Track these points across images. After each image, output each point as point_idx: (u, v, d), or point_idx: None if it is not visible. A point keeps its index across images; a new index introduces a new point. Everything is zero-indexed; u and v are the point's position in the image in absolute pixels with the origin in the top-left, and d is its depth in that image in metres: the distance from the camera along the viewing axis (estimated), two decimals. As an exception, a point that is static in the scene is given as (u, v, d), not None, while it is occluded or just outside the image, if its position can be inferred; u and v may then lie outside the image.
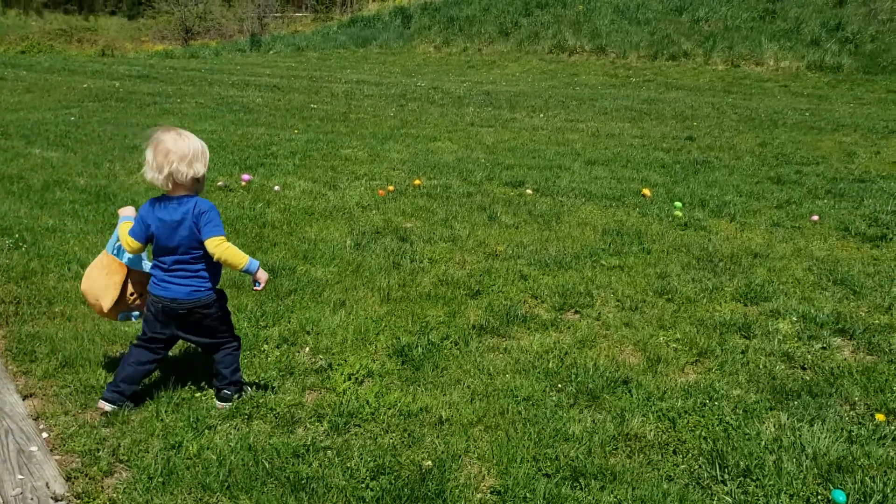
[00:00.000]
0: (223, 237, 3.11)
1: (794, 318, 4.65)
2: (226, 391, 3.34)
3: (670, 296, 4.96)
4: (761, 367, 4.02)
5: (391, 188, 7.57)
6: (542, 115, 13.68)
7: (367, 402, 3.44)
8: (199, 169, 3.08)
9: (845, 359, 4.17)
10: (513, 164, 9.11)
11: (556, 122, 12.86)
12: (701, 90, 18.27)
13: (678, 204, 7.21)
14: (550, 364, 3.92)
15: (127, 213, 3.41)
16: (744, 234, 6.38)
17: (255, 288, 3.27)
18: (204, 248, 3.12)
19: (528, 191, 7.71)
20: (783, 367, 4.07)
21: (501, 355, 4.05)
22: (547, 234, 6.24)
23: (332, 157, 9.33)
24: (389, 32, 28.55)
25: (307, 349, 4.00)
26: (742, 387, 3.81)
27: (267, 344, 4.01)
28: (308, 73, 21.67)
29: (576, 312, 4.71)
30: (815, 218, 6.80)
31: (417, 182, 7.87)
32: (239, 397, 3.36)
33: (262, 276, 3.23)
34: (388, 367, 3.82)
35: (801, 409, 3.56)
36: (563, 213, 6.92)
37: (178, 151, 3.02)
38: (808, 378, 3.93)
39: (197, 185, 3.16)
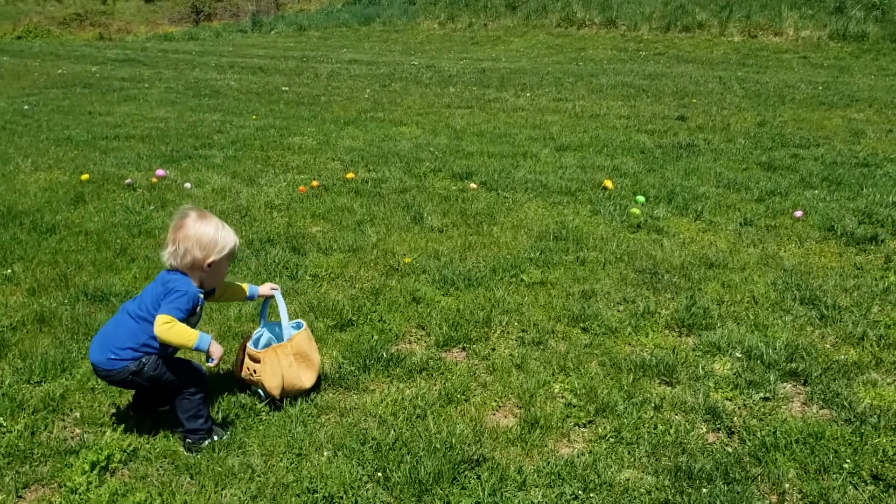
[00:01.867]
0: (172, 318, 2.78)
1: (738, 355, 3.68)
2: (188, 439, 2.94)
3: (588, 324, 4.00)
4: (672, 432, 3.07)
5: (315, 183, 6.66)
6: (528, 95, 12.64)
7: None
8: (200, 256, 2.90)
9: (790, 416, 3.20)
10: (472, 152, 8.14)
11: (542, 102, 11.82)
12: (713, 63, 17.01)
13: (640, 199, 6.21)
14: (389, 435, 3.00)
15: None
16: (705, 237, 5.37)
17: (208, 364, 2.93)
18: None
19: (473, 185, 6.75)
20: (703, 430, 3.12)
21: (334, 421, 3.15)
22: (472, 240, 5.29)
23: (274, 147, 8.45)
24: (394, 9, 27.47)
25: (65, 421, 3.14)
26: (636, 466, 2.87)
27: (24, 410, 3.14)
28: (302, 53, 20.75)
29: (462, 349, 3.79)
30: (799, 214, 5.76)
31: (350, 175, 6.95)
32: (209, 442, 2.92)
33: (216, 350, 2.87)
34: (158, 448, 2.92)
35: (705, 505, 2.61)
36: (502, 211, 5.96)
37: (198, 235, 2.89)
38: (730, 450, 2.98)
39: (202, 272, 2.93)
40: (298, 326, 3.33)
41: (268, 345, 3.32)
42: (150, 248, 5.10)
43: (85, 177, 6.95)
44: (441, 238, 5.36)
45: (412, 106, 11.53)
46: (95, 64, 18.14)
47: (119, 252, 5.01)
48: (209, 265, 2.91)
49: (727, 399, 3.35)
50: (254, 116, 10.60)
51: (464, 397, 3.31)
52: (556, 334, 3.92)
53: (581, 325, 4.01)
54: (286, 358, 3.18)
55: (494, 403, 3.29)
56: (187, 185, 6.66)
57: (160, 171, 7.03)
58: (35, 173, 7.21)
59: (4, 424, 2.98)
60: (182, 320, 2.82)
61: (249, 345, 3.29)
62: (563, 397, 3.35)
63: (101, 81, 14.84)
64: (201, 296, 2.95)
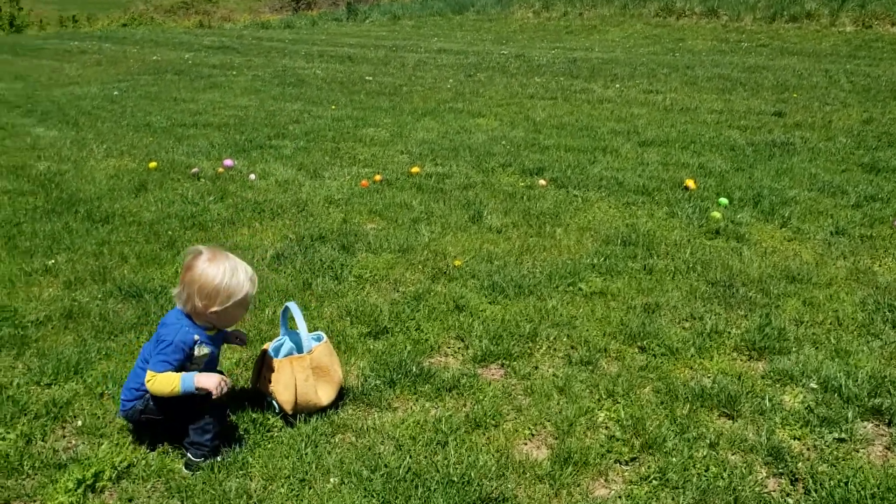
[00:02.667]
0: (154, 373, 2.64)
1: (812, 385, 3.24)
2: (189, 453, 2.74)
3: (646, 342, 3.62)
4: (726, 475, 2.68)
5: (378, 178, 6.43)
6: (618, 86, 12.10)
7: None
8: (202, 305, 2.70)
9: (868, 463, 2.76)
10: (548, 146, 7.76)
11: (631, 94, 11.28)
12: (820, 55, 15.97)
13: (723, 201, 5.72)
14: (404, 463, 2.72)
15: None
16: (790, 247, 4.86)
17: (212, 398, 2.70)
18: None
19: (542, 181, 6.39)
20: (762, 474, 2.71)
21: (348, 442, 2.88)
22: (531, 243, 4.95)
23: (346, 138, 8.27)
24: (488, -3, 27.09)
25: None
26: (678, 517, 2.49)
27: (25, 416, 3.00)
28: (393, 42, 20.64)
29: (501, 366, 3.47)
30: (902, 223, 5.18)
31: (415, 170, 6.70)
32: (209, 462, 2.72)
33: (207, 382, 2.66)
34: (154, 465, 2.72)
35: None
36: (568, 211, 5.58)
37: (201, 282, 2.69)
38: (792, 502, 2.56)
39: (206, 318, 2.74)
40: (319, 339, 3.09)
41: (288, 355, 3.09)
42: (200, 241, 4.96)
43: (153, 165, 6.93)
44: (498, 239, 5.04)
45: (493, 96, 11.19)
46: (190, 51, 18.50)
47: (166, 245, 4.89)
48: (213, 314, 2.71)
49: (795, 438, 2.92)
50: (333, 106, 10.48)
51: (493, 422, 3.00)
52: (609, 353, 3.55)
53: (638, 343, 3.63)
54: (302, 372, 2.93)
55: (527, 431, 2.97)
56: (252, 176, 6.54)
57: (228, 162, 6.94)
58: (106, 160, 7.25)
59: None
60: (179, 367, 2.67)
61: (268, 352, 3.06)
62: (606, 428, 2.99)
63: (192, 68, 15.07)
64: (196, 337, 2.73)
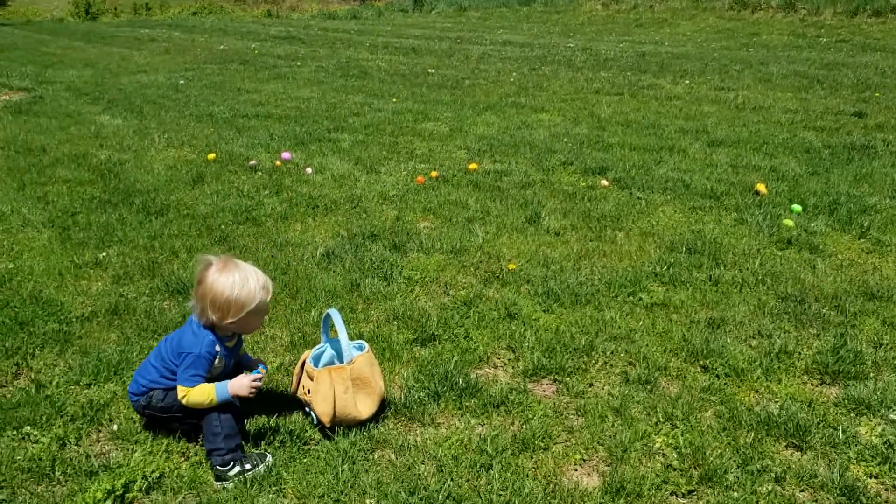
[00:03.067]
0: (187, 389, 2.63)
1: (892, 417, 2.98)
2: (213, 462, 2.63)
3: (710, 361, 3.39)
4: (794, 518, 2.45)
5: (434, 174, 6.28)
6: (687, 82, 11.72)
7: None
8: (216, 318, 2.66)
9: (955, 511, 2.50)
10: (612, 144, 7.51)
11: (701, 91, 10.90)
12: (905, 52, 15.25)
13: (797, 207, 5.41)
14: (444, 486, 2.56)
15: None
16: (869, 260, 4.55)
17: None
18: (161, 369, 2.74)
19: (605, 181, 6.15)
20: (835, 519, 2.48)
21: (387, 460, 2.74)
22: (591, 247, 4.75)
23: (405, 132, 8.15)
24: (557, -11, 26.69)
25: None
26: (739, 562, 2.28)
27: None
28: (458, 34, 20.49)
29: (553, 381, 3.28)
30: None
31: (473, 166, 6.53)
32: (239, 471, 2.61)
33: (238, 388, 2.66)
34: (186, 476, 2.61)
35: None
36: (631, 215, 5.34)
37: (213, 295, 2.64)
38: (868, 552, 2.33)
39: (226, 328, 2.72)
40: (361, 348, 2.95)
41: (328, 364, 2.97)
42: (251, 237, 4.89)
43: (211, 156, 6.91)
44: (555, 242, 4.84)
45: (558, 91, 10.94)
46: (257, 40, 18.65)
47: (218, 240, 4.83)
48: (230, 325, 2.68)
49: (871, 476, 2.68)
50: (394, 99, 10.38)
51: (542, 445, 2.82)
52: (669, 372, 3.34)
53: (701, 362, 3.41)
54: (342, 383, 2.80)
55: (578, 456, 2.78)
56: (308, 170, 6.46)
57: (285, 154, 6.88)
58: (166, 150, 7.26)
59: (34, 434, 2.78)
60: (205, 374, 2.67)
61: (308, 361, 2.94)
62: (662, 455, 2.78)
63: (258, 58, 15.16)
64: (218, 348, 2.71)
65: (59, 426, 2.84)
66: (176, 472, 2.63)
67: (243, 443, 2.70)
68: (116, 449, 2.74)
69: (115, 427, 2.86)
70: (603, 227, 5.12)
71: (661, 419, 2.99)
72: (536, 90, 11.08)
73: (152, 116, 9.01)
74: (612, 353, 3.48)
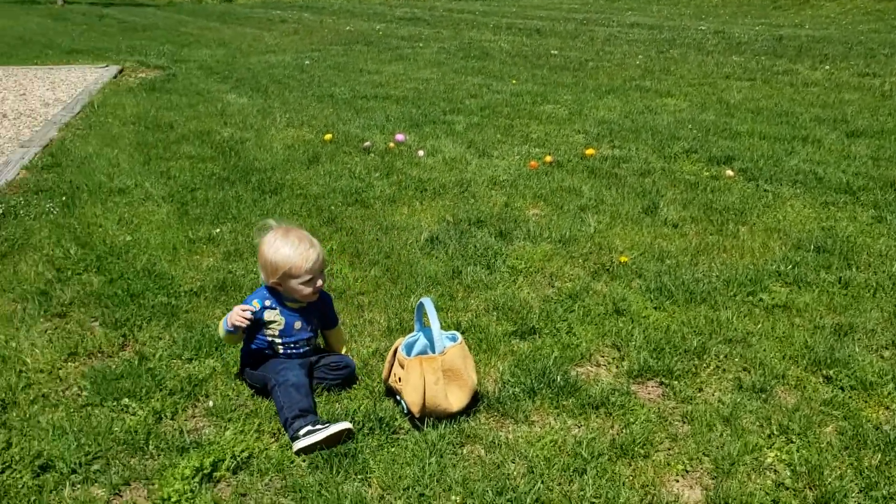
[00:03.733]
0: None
1: None
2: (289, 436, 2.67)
3: (834, 371, 3.11)
4: (923, 556, 2.20)
5: (549, 159, 6.11)
6: (827, 67, 11.00)
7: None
8: (263, 277, 2.90)
9: None
10: (741, 132, 7.12)
11: (842, 77, 10.21)
12: None
13: (945, 206, 4.94)
14: (535, 487, 2.44)
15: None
16: None
17: (239, 323, 2.84)
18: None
19: (730, 171, 5.82)
20: (973, 562, 2.20)
21: (476, 456, 2.64)
22: (710, 242, 4.48)
23: (521, 115, 7.99)
24: (691, -31, 25.65)
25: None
26: None
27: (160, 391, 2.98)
28: (584, 15, 20.05)
29: (660, 384, 3.09)
30: None
31: (590, 152, 6.31)
32: (306, 431, 2.60)
33: (230, 316, 2.83)
34: (274, 458, 2.59)
35: None
36: (756, 208, 5.02)
37: (259, 255, 2.90)
38: None
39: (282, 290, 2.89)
40: (454, 339, 2.86)
41: (421, 353, 2.89)
42: (358, 219, 4.88)
43: (328, 137, 6.98)
44: (673, 235, 4.60)
45: (685, 75, 10.50)
46: (382, 22, 18.83)
47: (326, 220, 4.84)
48: (276, 285, 2.86)
49: None
50: (513, 81, 10.22)
51: (642, 451, 2.65)
52: (788, 381, 3.08)
53: (824, 371, 3.13)
54: (433, 374, 2.72)
55: (681, 466, 2.59)
56: (420, 152, 6.41)
57: (399, 136, 6.86)
58: (286, 129, 7.38)
59: (132, 406, 2.83)
60: (250, 329, 2.88)
61: (400, 349, 2.88)
62: (774, 472, 2.56)
63: (382, 39, 15.30)
64: (268, 303, 2.89)
65: (157, 400, 2.88)
66: (265, 452, 2.61)
67: (311, 412, 2.69)
68: (210, 426, 2.76)
69: (210, 403, 2.88)
70: (725, 220, 4.83)
71: (776, 432, 2.76)
72: (663, 74, 10.67)
73: (276, 96, 9.20)
74: (725, 356, 3.25)
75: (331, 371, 2.96)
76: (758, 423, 2.81)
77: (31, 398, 2.91)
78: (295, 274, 2.81)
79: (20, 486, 2.43)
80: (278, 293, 2.89)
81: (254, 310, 2.85)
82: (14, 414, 2.81)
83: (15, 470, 2.50)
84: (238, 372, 3.04)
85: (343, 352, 3.15)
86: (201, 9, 26.06)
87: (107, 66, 11.93)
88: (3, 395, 2.91)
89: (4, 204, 5.05)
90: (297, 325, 2.93)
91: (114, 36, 16.43)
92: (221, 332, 2.90)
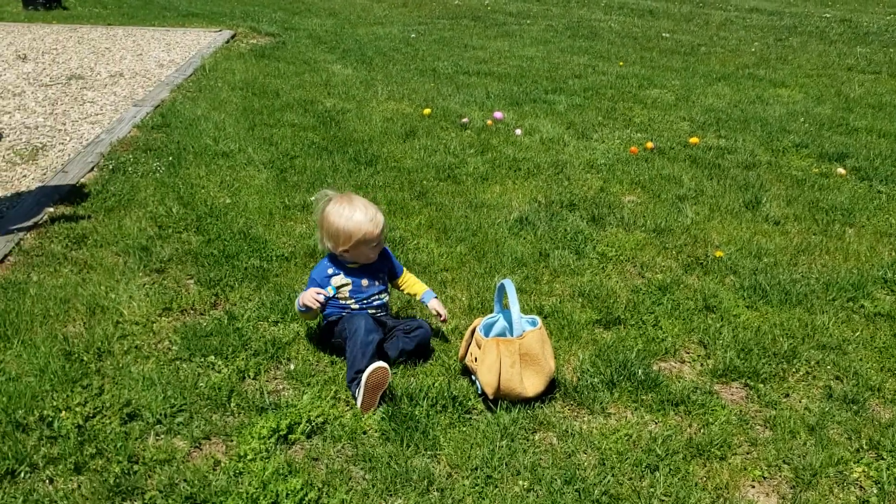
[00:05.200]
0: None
1: None
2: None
3: (936, 389, 2.94)
4: None
5: (650, 145, 5.96)
6: (961, 63, 10.31)
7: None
8: (330, 246, 2.97)
9: None
10: (858, 128, 6.77)
11: (977, 73, 9.55)
12: None
13: None
14: (604, 480, 2.41)
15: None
16: None
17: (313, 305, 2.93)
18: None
19: (842, 170, 5.54)
20: None
21: (547, 443, 2.62)
22: (813, 242, 4.29)
23: (626, 98, 7.81)
24: (820, -48, 24.37)
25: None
26: None
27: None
28: (702, -3, 19.34)
29: (745, 386, 2.99)
30: None
31: (694, 140, 6.12)
32: (356, 399, 2.74)
33: (305, 299, 2.92)
34: (348, 426, 2.63)
35: None
36: (867, 210, 4.78)
37: (326, 225, 2.96)
38: None
39: (344, 255, 2.99)
40: (534, 323, 2.83)
41: (499, 335, 2.88)
42: (449, 195, 4.88)
43: (427, 111, 6.99)
44: (773, 232, 4.42)
45: (803, 65, 10.03)
46: (490, -3, 18.65)
47: (417, 195, 4.86)
48: (344, 252, 2.93)
49: None
50: (620, 63, 9.99)
51: (719, 453, 2.57)
52: (883, 394, 2.93)
53: (925, 387, 2.96)
54: (509, 357, 2.70)
55: (758, 472, 2.51)
56: (517, 131, 6.36)
57: (498, 114, 6.81)
58: (386, 102, 7.44)
59: (218, 364, 2.93)
60: (324, 301, 2.93)
61: (479, 329, 2.87)
62: (859, 488, 2.45)
63: (490, 15, 15.17)
64: (330, 271, 2.97)
65: (242, 359, 2.97)
66: (339, 420, 2.66)
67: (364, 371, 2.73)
68: (289, 388, 2.83)
69: (291, 367, 2.95)
70: (831, 220, 4.61)
71: (865, 446, 2.63)
72: (779, 62, 10.23)
73: (380, 68, 9.26)
74: (817, 363, 3.11)
75: (405, 335, 2.98)
76: (846, 436, 2.68)
77: (125, 349, 3.05)
78: (367, 239, 2.89)
79: (108, 431, 2.55)
80: (336, 259, 2.98)
81: (327, 294, 2.93)
82: (108, 363, 2.95)
83: (105, 416, 2.63)
84: (320, 338, 3.10)
85: (424, 289, 3.18)
86: (315, -22, 26.40)
87: (220, 30, 12.26)
88: (100, 343, 3.05)
89: (115, 160, 5.28)
90: (365, 282, 3.02)
91: (230, 0, 16.87)
92: (296, 308, 2.99)
